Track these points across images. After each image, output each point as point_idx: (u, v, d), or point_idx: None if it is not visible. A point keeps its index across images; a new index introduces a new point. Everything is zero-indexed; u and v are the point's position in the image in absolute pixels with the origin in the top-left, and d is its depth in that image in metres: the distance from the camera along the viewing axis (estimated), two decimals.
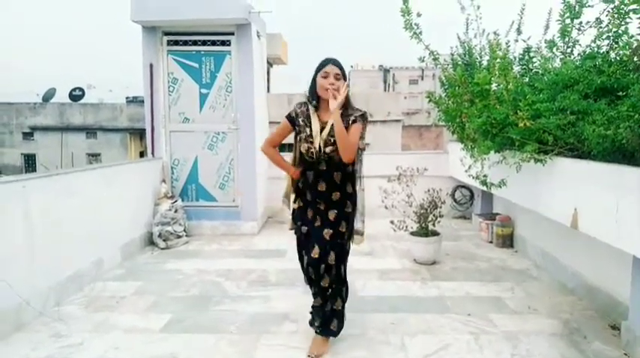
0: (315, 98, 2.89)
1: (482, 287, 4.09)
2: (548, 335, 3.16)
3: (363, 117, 2.90)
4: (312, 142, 2.87)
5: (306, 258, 2.99)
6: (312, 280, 2.98)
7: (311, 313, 3.10)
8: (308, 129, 2.89)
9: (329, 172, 2.90)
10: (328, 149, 2.84)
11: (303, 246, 3.07)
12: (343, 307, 3.05)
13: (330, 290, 2.95)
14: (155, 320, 3.45)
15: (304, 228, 3.00)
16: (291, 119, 2.99)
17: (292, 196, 3.13)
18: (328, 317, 2.98)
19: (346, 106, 2.88)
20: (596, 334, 3.15)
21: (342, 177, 2.92)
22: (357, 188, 3.03)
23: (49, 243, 3.72)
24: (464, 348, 3.00)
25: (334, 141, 2.80)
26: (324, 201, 2.93)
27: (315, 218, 2.95)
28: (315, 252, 2.87)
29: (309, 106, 2.93)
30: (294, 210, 3.13)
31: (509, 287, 4.06)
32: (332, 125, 2.80)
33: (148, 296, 3.93)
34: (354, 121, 2.85)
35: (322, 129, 2.86)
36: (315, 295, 3.03)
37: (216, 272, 4.56)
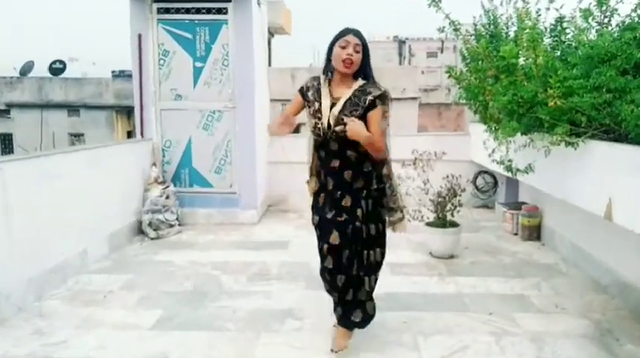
0: (330, 69, 2.91)
1: (505, 283, 4.12)
2: (577, 336, 3.19)
3: (383, 99, 2.86)
4: (319, 118, 2.86)
5: (323, 244, 2.96)
6: (329, 271, 2.94)
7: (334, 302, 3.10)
8: (317, 104, 2.90)
9: (342, 152, 2.87)
10: (339, 128, 2.80)
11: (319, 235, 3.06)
12: (370, 298, 3.05)
13: (351, 278, 2.94)
14: (145, 317, 3.51)
15: (315, 219, 3.03)
16: (302, 92, 3.01)
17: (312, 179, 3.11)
18: (349, 307, 3.00)
19: (366, 76, 2.89)
20: (629, 336, 3.17)
21: (357, 156, 2.87)
22: (384, 171, 3.01)
23: (28, 232, 3.77)
24: (484, 350, 3.03)
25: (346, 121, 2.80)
26: (335, 180, 2.91)
27: (326, 204, 2.96)
28: (334, 238, 2.87)
29: (321, 80, 2.95)
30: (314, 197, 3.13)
31: (534, 284, 4.09)
32: (345, 102, 2.82)
33: (138, 291, 3.99)
34: (372, 105, 2.81)
35: (333, 105, 2.85)
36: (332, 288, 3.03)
37: (212, 264, 4.61)
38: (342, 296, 2.97)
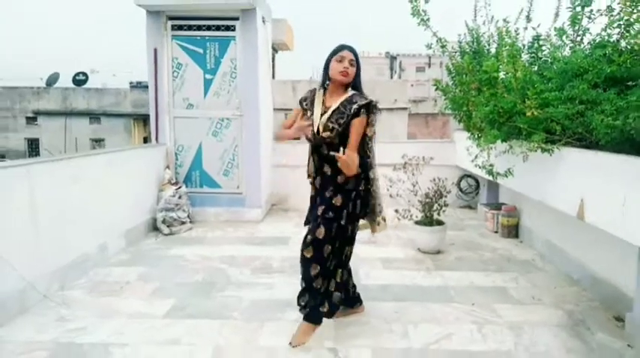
0: (327, 79, 2.97)
1: (486, 277, 4.12)
2: (552, 325, 3.18)
3: (368, 108, 2.89)
4: (312, 124, 2.93)
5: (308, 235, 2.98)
6: (306, 260, 2.91)
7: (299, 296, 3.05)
8: (309, 113, 2.99)
9: (332, 156, 2.88)
10: (325, 134, 2.87)
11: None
12: (338, 289, 3.05)
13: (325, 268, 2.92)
14: (159, 306, 3.50)
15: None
16: (300, 102, 3.10)
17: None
18: (319, 299, 2.95)
19: (356, 87, 2.95)
20: (600, 325, 3.17)
21: None
22: (371, 175, 3.03)
23: (53, 227, 3.76)
24: (467, 337, 3.03)
25: (332, 127, 2.85)
26: (330, 183, 2.95)
27: (317, 203, 3.01)
28: (320, 232, 2.87)
29: (317, 91, 3.03)
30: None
31: (513, 278, 4.08)
32: (332, 111, 2.87)
33: (152, 282, 3.98)
34: (357, 114, 2.84)
35: (324, 113, 2.91)
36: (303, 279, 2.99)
37: (220, 258, 4.60)
38: (309, 285, 2.92)
